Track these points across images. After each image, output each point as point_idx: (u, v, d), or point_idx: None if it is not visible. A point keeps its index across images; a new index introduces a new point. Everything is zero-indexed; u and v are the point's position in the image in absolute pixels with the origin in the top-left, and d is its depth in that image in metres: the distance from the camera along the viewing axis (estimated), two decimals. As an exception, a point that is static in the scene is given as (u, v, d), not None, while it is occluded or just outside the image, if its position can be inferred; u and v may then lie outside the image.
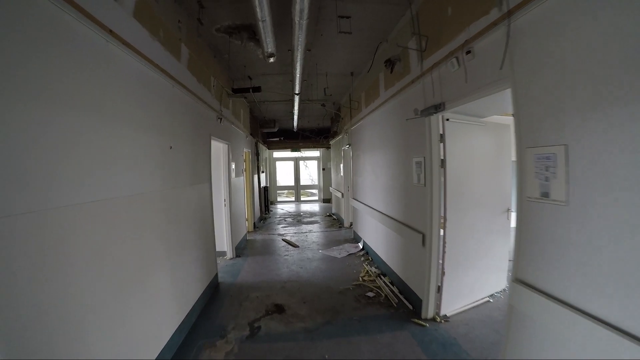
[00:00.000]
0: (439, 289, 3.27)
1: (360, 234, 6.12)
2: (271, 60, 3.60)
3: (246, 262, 5.19)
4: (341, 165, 8.03)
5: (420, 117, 3.15)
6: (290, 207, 12.21)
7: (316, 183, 14.20)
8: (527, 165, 1.80)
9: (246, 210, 7.51)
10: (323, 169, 13.44)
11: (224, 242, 5.41)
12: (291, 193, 14.83)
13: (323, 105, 7.49)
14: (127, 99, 2.11)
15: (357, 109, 5.77)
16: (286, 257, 5.48)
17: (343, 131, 7.49)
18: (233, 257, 5.42)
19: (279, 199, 14.14)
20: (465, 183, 3.28)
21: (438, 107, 2.84)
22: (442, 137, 3.11)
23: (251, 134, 7.81)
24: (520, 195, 1.86)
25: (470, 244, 3.39)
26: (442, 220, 3.19)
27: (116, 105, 1.97)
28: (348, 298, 3.80)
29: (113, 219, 1.89)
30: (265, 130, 10.09)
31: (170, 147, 2.78)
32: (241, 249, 5.98)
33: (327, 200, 13.32)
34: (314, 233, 7.30)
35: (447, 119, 3.13)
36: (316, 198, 14.19)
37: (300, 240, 6.59)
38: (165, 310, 2.55)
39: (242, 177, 6.49)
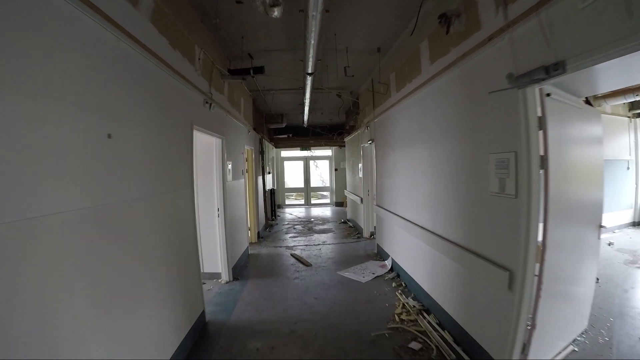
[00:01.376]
0: (525, 349, 2.15)
1: (387, 250, 4.99)
2: (275, 13, 2.51)
3: (245, 288, 4.12)
4: (359, 165, 6.91)
5: (509, 90, 2.02)
6: (299, 212, 11.13)
7: (327, 185, 13.09)
8: None
9: (248, 218, 6.44)
10: (335, 170, 12.33)
11: (217, 262, 4.36)
12: (300, 195, 13.77)
13: (339, 95, 6.39)
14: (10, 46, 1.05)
15: (386, 94, 4.64)
16: (296, 280, 4.39)
17: (363, 125, 6.37)
18: (229, 281, 4.36)
19: (287, 202, 13.09)
20: (563, 193, 2.19)
21: (552, 69, 1.70)
22: (541, 122, 1.98)
23: (254, 129, 6.75)
24: None
25: (561, 276, 2.32)
26: (539, 249, 2.06)
27: None
28: (385, 351, 2.69)
29: None
30: (272, 126, 9.05)
31: (109, 136, 1.71)
32: (240, 268, 4.91)
33: (339, 203, 12.21)
34: (328, 246, 6.19)
35: (548, 94, 2.01)
36: (327, 201, 13.09)
37: (313, 256, 5.49)
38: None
39: (242, 180, 5.43)
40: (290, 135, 9.79)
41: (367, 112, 6.06)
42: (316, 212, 11.04)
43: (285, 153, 12.66)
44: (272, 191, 9.03)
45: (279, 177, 12.37)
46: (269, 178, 9.12)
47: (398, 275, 4.40)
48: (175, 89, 2.70)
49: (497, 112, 2.19)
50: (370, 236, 6.70)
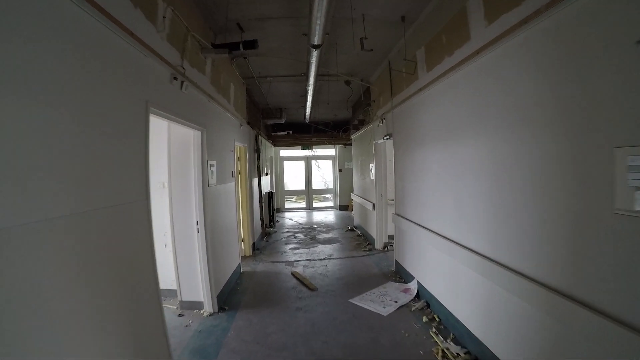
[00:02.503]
0: None
1: (410, 270, 4.07)
2: None
3: (233, 325, 3.20)
4: (371, 166, 6.00)
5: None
6: (300, 216, 10.22)
7: (331, 187, 12.18)
8: None
9: (241, 228, 5.54)
10: (340, 170, 11.42)
11: (198, 288, 3.45)
12: (301, 198, 12.86)
13: (348, 82, 5.48)
14: None
15: (413, 74, 3.72)
16: (299, 312, 3.47)
17: (376, 118, 5.46)
18: (214, 312, 3.45)
19: (287, 205, 12.17)
20: None
21: None
22: None
23: (249, 124, 5.84)
24: None
25: None
26: None
27: None
28: None
29: None
30: (270, 122, 8.14)
31: None
32: (229, 293, 4.00)
33: (344, 207, 11.30)
34: (335, 261, 5.28)
35: None
36: (331, 204, 12.18)
37: (318, 275, 4.57)
38: None
39: (232, 183, 4.52)
40: (291, 132, 8.87)
41: (382, 103, 5.15)
42: (319, 217, 10.12)
43: (284, 152, 11.75)
44: (270, 195, 8.13)
45: (278, 178, 11.46)
46: (266, 180, 8.21)
47: (427, 305, 3.49)
48: (118, 51, 1.79)
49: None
50: (384, 248, 5.78)
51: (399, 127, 4.39)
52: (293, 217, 10.17)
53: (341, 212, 10.98)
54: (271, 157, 10.03)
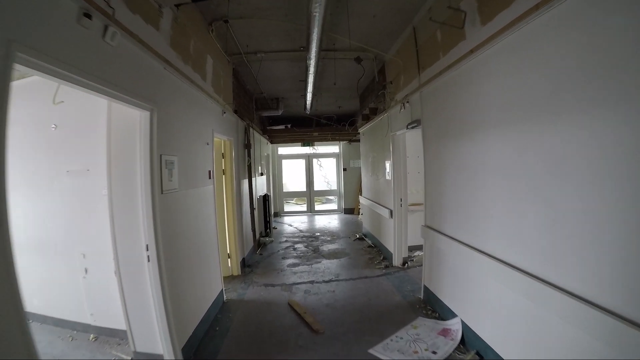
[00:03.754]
0: None
1: (450, 304, 3.04)
2: None
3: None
4: (386, 164, 4.98)
5: None
6: (301, 221, 9.20)
7: (334, 188, 11.15)
8: None
9: (227, 242, 4.53)
10: (344, 170, 10.39)
11: (156, 337, 2.44)
12: (302, 200, 11.85)
13: (358, 59, 4.46)
14: None
15: (460, 28, 2.66)
16: (297, 371, 2.45)
17: (394, 103, 4.43)
18: (176, 374, 2.43)
19: (286, 207, 11.15)
20: None
21: None
22: None
23: (237, 113, 4.83)
24: None
25: None
26: None
27: None
28: None
29: None
30: (266, 114, 7.13)
31: None
32: (203, 337, 2.97)
33: (349, 210, 10.28)
34: (344, 284, 4.24)
35: None
36: (334, 207, 11.15)
37: (324, 307, 3.54)
38: None
39: (210, 187, 3.49)
40: (289, 125, 7.85)
41: (402, 83, 4.13)
42: (321, 221, 9.10)
43: (283, 150, 10.73)
44: (265, 198, 7.11)
45: (277, 179, 10.44)
46: (261, 181, 7.20)
47: (481, 358, 2.47)
48: None
49: None
50: (404, 265, 4.76)
51: (430, 110, 3.36)
52: (293, 222, 9.15)
53: (346, 216, 9.95)
54: (267, 155, 9.01)
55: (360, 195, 7.57)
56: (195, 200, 3.05)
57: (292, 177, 12.48)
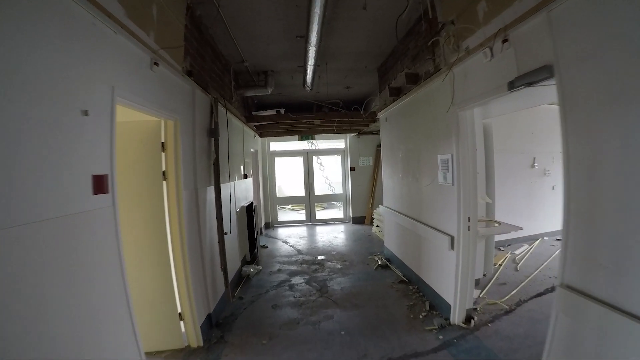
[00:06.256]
0: None
1: None
2: None
3: None
4: (441, 160, 3.15)
5: None
6: (299, 235, 7.37)
7: (339, 192, 9.32)
8: None
9: (177, 294, 2.71)
10: (352, 169, 8.57)
11: None
12: (300, 206, 10.05)
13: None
14: None
15: None
16: None
17: (465, 53, 2.60)
18: None
19: (280, 216, 9.32)
20: None
21: None
22: None
23: (192, 75, 2.98)
24: None
25: None
26: None
27: None
28: None
29: None
30: (251, 93, 5.29)
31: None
32: None
33: (359, 219, 8.47)
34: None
35: None
36: (340, 215, 9.32)
37: None
38: None
39: (107, 207, 1.64)
40: (283, 111, 6.00)
41: (486, 13, 2.31)
42: (325, 235, 7.26)
43: (276, 146, 8.89)
44: (250, 209, 5.28)
45: (269, 181, 8.60)
46: (244, 186, 5.36)
47: None
48: None
49: None
50: (468, 322, 2.96)
51: (586, 41, 1.54)
52: (289, 236, 7.31)
53: (356, 227, 8.13)
54: (256, 151, 7.18)
55: (382, 205, 5.75)
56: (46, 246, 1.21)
57: (288, 179, 10.67)
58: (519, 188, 5.86)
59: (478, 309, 3.29)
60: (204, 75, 3.45)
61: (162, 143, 2.65)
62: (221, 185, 3.48)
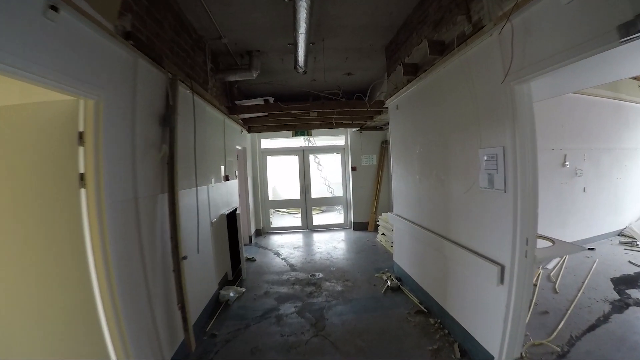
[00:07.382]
0: None
1: None
2: None
3: None
4: (486, 156, 2.31)
5: None
6: (294, 245, 6.52)
7: (339, 194, 8.47)
8: None
9: (110, 344, 1.85)
10: (353, 169, 7.73)
11: None
12: (295, 209, 9.22)
13: None
14: None
15: None
16: None
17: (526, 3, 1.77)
18: None
19: (274, 221, 8.48)
20: None
21: None
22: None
23: (131, 38, 2.14)
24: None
25: None
26: None
27: None
28: None
29: None
30: (232, 78, 4.45)
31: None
32: None
33: (361, 225, 7.64)
34: None
35: None
36: (339, 220, 8.48)
37: None
38: None
39: None
40: (273, 100, 5.15)
41: None
42: (324, 245, 6.42)
43: (267, 143, 8.04)
44: (232, 217, 4.43)
45: (260, 183, 7.75)
46: (225, 189, 4.52)
47: None
48: None
49: None
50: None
51: None
52: (282, 246, 6.47)
53: (358, 234, 7.29)
54: (244, 149, 6.34)
55: (392, 212, 4.92)
56: None
57: (282, 179, 9.83)
58: (549, 191, 5.02)
59: (523, 354, 2.47)
60: (159, 45, 2.60)
61: (80, 133, 1.81)
62: (184, 190, 2.63)
